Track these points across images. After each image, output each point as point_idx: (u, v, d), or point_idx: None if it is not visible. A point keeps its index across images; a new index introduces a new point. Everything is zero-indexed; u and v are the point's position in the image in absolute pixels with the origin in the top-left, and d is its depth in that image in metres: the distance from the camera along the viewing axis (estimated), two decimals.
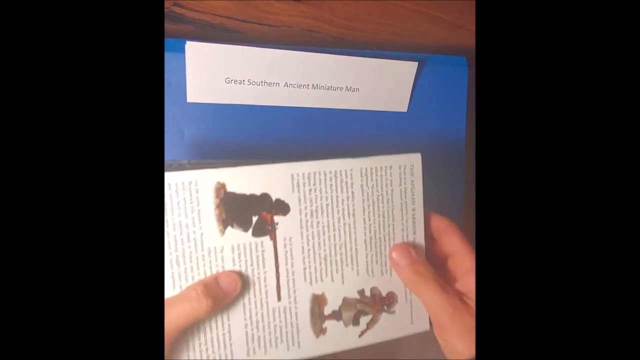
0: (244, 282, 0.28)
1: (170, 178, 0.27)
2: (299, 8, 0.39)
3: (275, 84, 0.36)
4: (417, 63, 0.38)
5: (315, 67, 0.36)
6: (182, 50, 0.33)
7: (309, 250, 0.30)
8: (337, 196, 0.30)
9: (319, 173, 0.30)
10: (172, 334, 0.26)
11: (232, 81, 0.35)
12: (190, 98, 0.35)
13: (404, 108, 0.40)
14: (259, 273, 0.29)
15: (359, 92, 0.38)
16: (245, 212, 0.28)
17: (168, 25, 0.37)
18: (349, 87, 0.37)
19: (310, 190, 0.29)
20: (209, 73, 0.34)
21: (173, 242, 0.27)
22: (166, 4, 0.36)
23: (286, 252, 0.30)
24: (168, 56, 0.34)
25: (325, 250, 0.30)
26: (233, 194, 0.28)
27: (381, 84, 0.38)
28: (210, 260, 0.28)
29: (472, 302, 0.29)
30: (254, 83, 0.35)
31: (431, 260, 0.32)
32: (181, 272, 0.28)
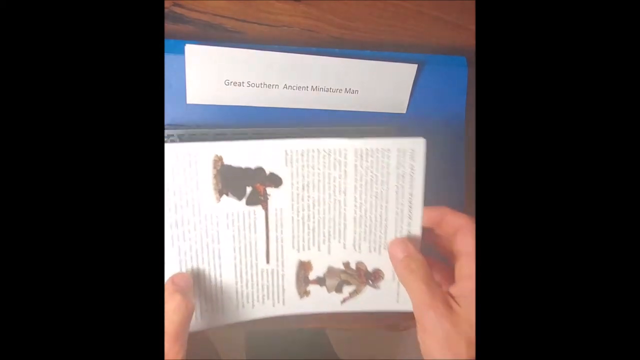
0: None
1: (172, 149, 0.30)
2: (299, 8, 0.39)
3: (274, 86, 0.36)
4: (416, 65, 0.38)
5: (314, 69, 0.36)
6: (182, 52, 0.33)
7: (298, 220, 0.32)
8: (329, 173, 0.32)
9: (313, 150, 0.31)
10: (180, 329, 0.28)
11: (232, 83, 0.35)
12: (190, 99, 0.35)
13: (402, 110, 0.40)
14: (250, 238, 0.32)
15: (358, 94, 0.38)
16: (239, 183, 0.31)
17: (168, 25, 0.37)
18: (348, 89, 0.37)
19: (303, 166, 0.31)
20: (208, 75, 0.34)
21: (173, 206, 0.30)
22: (166, 4, 0.36)
23: (277, 221, 0.32)
24: (168, 58, 0.34)
25: (314, 222, 0.32)
26: (229, 166, 0.30)
27: (380, 86, 0.38)
28: (206, 225, 0.31)
29: (459, 308, 0.28)
30: (253, 85, 0.35)
31: (434, 254, 0.32)
32: (179, 234, 0.30)
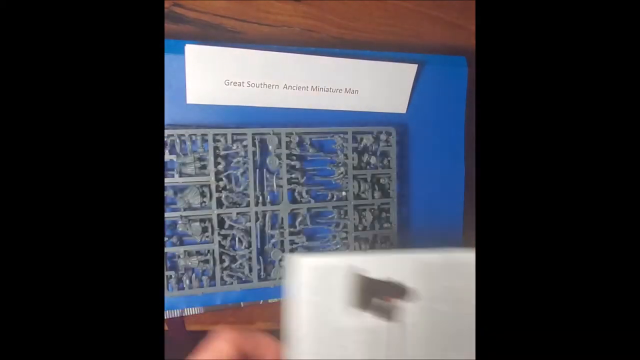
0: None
1: (305, 261, 0.29)
2: (299, 8, 0.39)
3: (274, 86, 0.36)
4: (417, 65, 0.38)
5: (314, 69, 0.36)
6: (182, 52, 0.33)
7: (420, 334, 0.31)
8: (456, 284, 0.31)
9: (446, 264, 0.30)
10: None
11: (232, 83, 0.35)
12: (190, 99, 0.35)
13: (403, 109, 0.40)
14: (375, 354, 0.31)
15: (359, 94, 0.38)
16: (371, 296, 0.30)
17: (168, 26, 0.37)
18: (348, 89, 0.37)
19: (436, 279, 0.30)
20: (208, 75, 0.34)
21: (300, 319, 0.29)
22: (166, 4, 0.36)
23: (399, 334, 0.31)
24: (168, 58, 0.34)
25: (435, 335, 0.31)
26: (363, 278, 0.29)
27: (380, 86, 0.38)
28: (332, 339, 0.30)
29: None
30: (253, 85, 0.35)
31: None
32: (304, 349, 0.29)
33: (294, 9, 0.39)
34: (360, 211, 0.39)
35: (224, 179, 0.36)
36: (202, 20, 0.37)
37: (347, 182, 0.38)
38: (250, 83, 0.35)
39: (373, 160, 0.39)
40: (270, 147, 0.37)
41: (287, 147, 0.37)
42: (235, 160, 0.36)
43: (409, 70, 0.38)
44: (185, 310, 0.39)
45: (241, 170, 0.36)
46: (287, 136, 0.37)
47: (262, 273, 0.37)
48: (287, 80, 0.36)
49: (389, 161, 0.39)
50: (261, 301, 0.40)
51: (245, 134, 0.36)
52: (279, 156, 0.37)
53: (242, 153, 0.36)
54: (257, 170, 0.37)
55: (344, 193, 0.39)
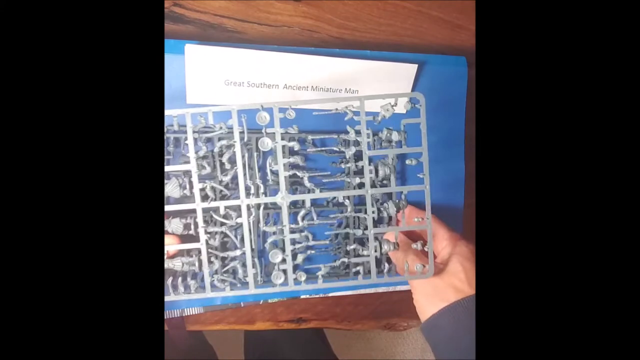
0: None
1: None
2: (299, 8, 0.39)
3: (274, 86, 0.36)
4: (416, 65, 0.38)
5: (314, 69, 0.36)
6: (182, 52, 0.33)
7: None
8: None
9: None
10: None
11: (232, 83, 0.35)
12: (190, 99, 0.35)
13: (402, 110, 0.40)
14: None
15: (358, 94, 0.38)
16: None
17: (168, 26, 0.37)
18: (348, 89, 0.37)
19: None
20: (208, 75, 0.34)
21: None
22: (166, 4, 0.36)
23: None
24: (168, 58, 0.34)
25: None
26: None
27: (380, 86, 0.38)
28: None
29: (442, 266, 0.34)
30: (253, 85, 0.35)
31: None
32: None
33: (294, 9, 0.39)
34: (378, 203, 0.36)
35: (206, 166, 0.31)
36: (202, 20, 0.37)
37: (356, 167, 0.35)
38: (250, 83, 0.35)
39: (395, 136, 0.33)
40: (262, 128, 0.31)
41: (283, 129, 0.31)
42: (219, 144, 0.31)
43: (409, 70, 0.38)
44: (185, 310, 0.39)
45: (227, 156, 0.31)
46: (280, 112, 0.30)
47: (259, 278, 0.33)
48: (288, 80, 0.36)
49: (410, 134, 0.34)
50: (261, 301, 0.40)
51: (229, 112, 0.29)
52: (271, 137, 0.31)
53: (228, 134, 0.31)
54: (247, 155, 0.33)
55: (358, 179, 0.33)
